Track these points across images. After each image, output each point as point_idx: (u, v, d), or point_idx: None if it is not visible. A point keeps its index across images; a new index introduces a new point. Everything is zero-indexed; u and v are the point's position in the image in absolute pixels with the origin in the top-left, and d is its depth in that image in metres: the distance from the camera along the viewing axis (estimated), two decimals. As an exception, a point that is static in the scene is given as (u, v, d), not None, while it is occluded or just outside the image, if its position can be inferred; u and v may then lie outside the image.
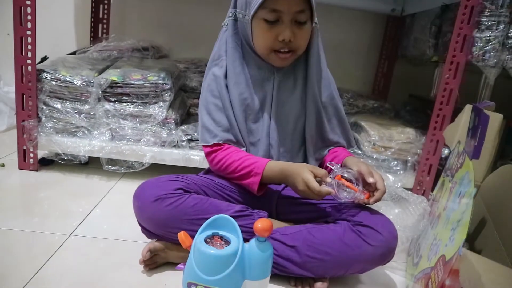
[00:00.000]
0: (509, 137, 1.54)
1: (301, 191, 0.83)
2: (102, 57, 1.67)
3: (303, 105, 0.97)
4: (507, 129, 1.53)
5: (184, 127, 1.44)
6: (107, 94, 1.36)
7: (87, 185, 1.32)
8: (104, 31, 1.98)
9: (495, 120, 0.92)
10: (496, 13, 1.19)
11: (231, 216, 0.73)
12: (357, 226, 0.84)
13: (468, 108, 0.97)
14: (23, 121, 1.33)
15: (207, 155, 0.96)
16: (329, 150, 1.02)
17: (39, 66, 1.35)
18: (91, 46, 1.72)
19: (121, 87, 1.36)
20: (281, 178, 0.88)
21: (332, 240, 0.83)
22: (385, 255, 0.84)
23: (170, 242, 0.87)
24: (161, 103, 1.38)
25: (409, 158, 1.45)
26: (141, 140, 1.39)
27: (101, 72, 1.42)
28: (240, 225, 0.72)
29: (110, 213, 1.13)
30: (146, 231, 0.89)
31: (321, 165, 1.01)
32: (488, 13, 1.20)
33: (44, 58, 1.49)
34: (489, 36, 1.21)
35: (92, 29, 1.97)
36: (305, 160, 1.00)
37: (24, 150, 1.36)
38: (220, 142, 0.93)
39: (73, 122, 1.37)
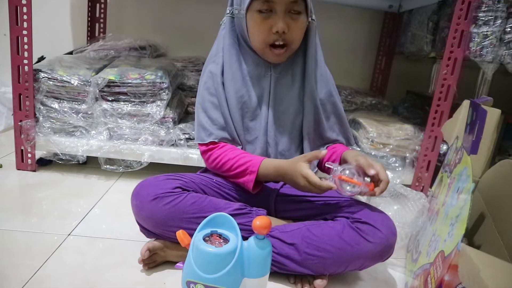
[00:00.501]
0: (507, 132, 1.54)
1: (302, 187, 0.83)
2: (99, 56, 1.67)
3: (301, 102, 0.96)
4: (505, 124, 1.54)
5: (182, 125, 1.44)
6: (105, 94, 1.36)
7: (86, 185, 1.32)
8: (101, 30, 1.97)
9: (493, 115, 0.92)
10: (493, 8, 1.19)
11: (230, 214, 0.73)
12: (356, 223, 0.84)
13: (466, 103, 0.97)
14: (21, 121, 1.33)
15: (203, 153, 0.97)
16: (327, 147, 1.01)
17: (36, 66, 1.34)
18: (88, 46, 1.72)
19: (119, 86, 1.36)
20: (277, 176, 0.87)
21: (331, 237, 0.83)
22: (384, 252, 0.84)
23: (169, 241, 0.87)
24: (158, 102, 1.38)
25: (407, 155, 1.45)
26: (139, 139, 1.39)
27: (98, 71, 1.42)
28: (238, 223, 0.72)
29: (108, 212, 1.13)
30: (145, 230, 0.89)
31: (320, 163, 1.01)
32: (485, 8, 1.20)
33: (41, 58, 1.48)
34: (487, 31, 1.20)
35: (89, 28, 1.96)
36: None
37: (22, 150, 1.36)
38: (216, 140, 0.94)
39: (70, 121, 1.36)
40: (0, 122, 1.80)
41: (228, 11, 0.94)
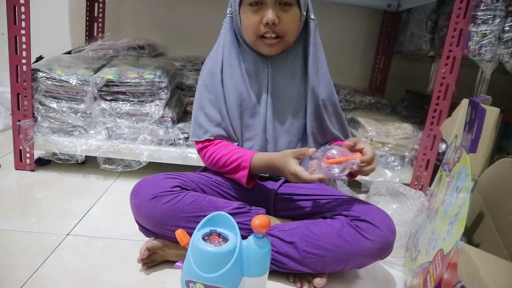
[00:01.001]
0: (505, 131, 1.55)
1: (293, 181, 0.84)
2: (97, 56, 1.66)
3: (303, 101, 0.97)
4: (503, 123, 1.54)
5: (181, 125, 1.43)
6: (103, 93, 1.36)
7: (84, 185, 1.32)
8: (100, 29, 1.97)
9: (492, 114, 0.92)
10: (492, 7, 1.19)
11: (229, 213, 0.73)
12: (355, 221, 0.84)
13: (465, 102, 0.98)
14: (19, 121, 1.32)
15: (199, 151, 0.97)
16: (329, 144, 1.02)
17: (34, 66, 1.34)
18: (87, 45, 1.71)
19: (117, 85, 1.36)
20: (268, 170, 0.89)
21: (330, 236, 0.83)
22: (384, 250, 0.84)
23: (168, 240, 0.87)
24: (157, 102, 1.38)
25: (406, 154, 1.45)
26: (138, 139, 1.38)
27: (96, 71, 1.42)
28: (238, 222, 0.72)
29: (107, 212, 1.13)
30: (144, 229, 0.89)
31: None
32: (484, 7, 1.20)
33: (40, 58, 1.48)
34: (485, 30, 1.21)
35: (87, 28, 1.96)
36: None
37: (20, 150, 1.35)
38: (211, 137, 0.94)
39: (69, 121, 1.36)
40: (-2, 122, 1.80)
41: (228, 12, 0.96)
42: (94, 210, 1.13)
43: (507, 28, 1.19)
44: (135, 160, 1.38)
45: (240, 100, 0.94)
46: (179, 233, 0.71)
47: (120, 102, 1.37)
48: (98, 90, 1.34)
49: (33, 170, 1.38)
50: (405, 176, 1.43)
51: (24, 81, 1.30)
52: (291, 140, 0.98)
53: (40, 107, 1.34)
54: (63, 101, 1.35)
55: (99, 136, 1.37)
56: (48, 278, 0.80)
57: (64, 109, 1.35)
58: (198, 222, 0.72)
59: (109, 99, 1.36)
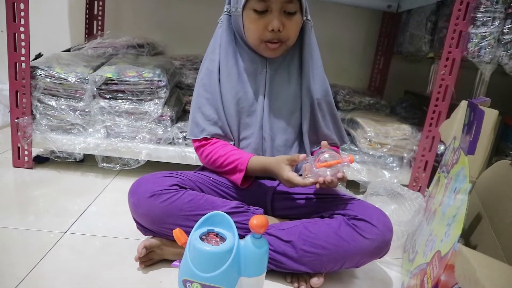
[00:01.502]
0: (504, 133, 1.55)
1: (287, 186, 0.87)
2: (97, 54, 1.66)
3: (298, 100, 0.97)
4: (502, 125, 1.54)
5: (179, 124, 1.43)
6: (102, 91, 1.35)
7: (83, 183, 1.31)
8: (99, 28, 1.97)
9: (491, 115, 0.92)
10: (492, 9, 1.19)
11: (227, 213, 0.73)
12: (352, 220, 0.84)
13: (463, 104, 0.98)
14: (17, 118, 1.32)
15: (196, 149, 0.99)
16: (320, 147, 1.02)
17: (33, 63, 1.34)
18: (86, 43, 1.71)
19: (116, 84, 1.35)
20: (264, 173, 0.91)
21: (328, 234, 0.83)
22: (381, 248, 0.84)
23: (165, 238, 0.87)
24: (156, 100, 1.37)
25: (405, 155, 1.45)
26: (137, 137, 1.38)
27: (96, 69, 1.41)
28: (235, 222, 0.72)
29: (105, 210, 1.13)
30: (142, 227, 0.89)
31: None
32: (484, 9, 1.20)
33: (39, 55, 1.48)
34: (485, 32, 1.21)
35: (86, 26, 1.96)
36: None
37: (19, 148, 1.35)
38: (208, 136, 0.95)
39: (68, 119, 1.36)
40: (-3, 119, 1.80)
41: (225, 9, 0.95)
42: (92, 209, 1.13)
43: (507, 30, 1.20)
44: (133, 159, 1.38)
45: (236, 99, 0.95)
46: (177, 233, 0.71)
47: (119, 101, 1.36)
48: (97, 88, 1.34)
49: (31, 168, 1.37)
50: (404, 177, 1.43)
51: (23, 78, 1.29)
52: (288, 138, 0.99)
53: (39, 104, 1.34)
54: (62, 99, 1.35)
55: (97, 135, 1.36)
56: (45, 276, 0.80)
57: (62, 107, 1.35)
58: (196, 221, 0.72)
59: (108, 97, 1.36)
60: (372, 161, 1.45)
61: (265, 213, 0.95)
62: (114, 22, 2.01)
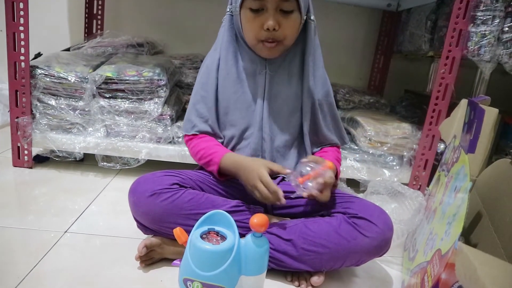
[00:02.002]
0: (504, 131, 1.55)
1: (252, 186, 0.84)
2: (96, 53, 1.66)
3: (299, 101, 0.97)
4: (502, 124, 1.54)
5: (179, 123, 1.43)
6: (102, 91, 1.35)
7: (83, 182, 1.31)
8: (99, 27, 1.97)
9: (491, 114, 0.92)
10: (492, 8, 1.19)
11: (227, 211, 0.73)
12: (352, 218, 0.85)
13: (463, 102, 0.98)
14: (17, 118, 1.32)
15: (186, 143, 1.01)
16: (321, 148, 1.03)
17: (32, 63, 1.34)
18: (86, 42, 1.71)
19: (116, 83, 1.35)
20: (233, 169, 0.89)
21: (328, 233, 0.83)
22: (381, 247, 0.84)
23: (166, 237, 0.87)
24: (156, 99, 1.37)
25: (405, 153, 1.45)
26: (137, 137, 1.38)
27: (95, 68, 1.41)
28: (236, 221, 0.72)
29: (105, 209, 1.13)
30: (142, 226, 0.89)
31: None
32: (484, 8, 1.20)
33: (38, 55, 1.48)
34: (485, 30, 1.21)
35: (86, 25, 1.96)
36: (300, 156, 1.00)
37: (18, 147, 1.35)
38: (197, 133, 0.97)
39: (67, 118, 1.36)
40: (-4, 118, 1.80)
41: (228, 9, 0.96)
42: (92, 208, 1.13)
43: (507, 28, 1.20)
44: (133, 158, 1.38)
45: (234, 98, 0.95)
46: (177, 232, 0.71)
47: (119, 100, 1.36)
48: (96, 88, 1.34)
49: (31, 168, 1.37)
50: (404, 176, 1.43)
51: (23, 78, 1.29)
52: (287, 139, 0.98)
53: (39, 104, 1.34)
54: (62, 98, 1.35)
55: (97, 134, 1.36)
56: (46, 275, 0.80)
57: (62, 106, 1.34)
58: (196, 220, 0.72)
59: (107, 96, 1.36)
60: (372, 160, 1.45)
61: (265, 211, 0.95)
62: (114, 21, 2.01)
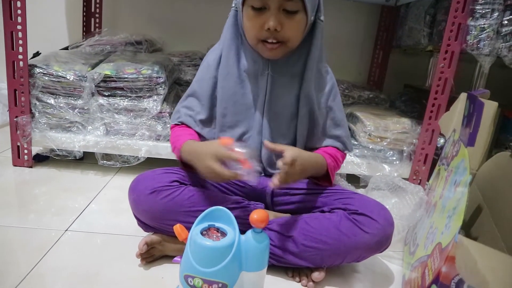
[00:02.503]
0: (503, 125, 1.55)
1: (206, 167, 0.79)
2: (95, 51, 1.65)
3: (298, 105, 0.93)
4: (502, 117, 1.54)
5: (179, 120, 1.43)
6: (101, 89, 1.35)
7: (83, 181, 1.31)
8: (97, 25, 1.96)
9: (490, 107, 0.91)
10: (490, 1, 1.19)
11: (227, 208, 0.73)
12: (353, 214, 0.84)
13: (463, 96, 0.97)
14: (16, 117, 1.32)
15: (170, 130, 1.00)
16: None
17: (31, 61, 1.33)
18: (84, 41, 1.70)
19: (115, 81, 1.35)
20: (188, 155, 0.85)
21: (328, 229, 0.83)
22: (382, 243, 0.84)
23: (166, 234, 0.87)
24: (155, 97, 1.37)
25: (405, 148, 1.45)
26: (136, 134, 1.38)
27: (94, 66, 1.41)
28: (236, 217, 0.71)
29: (106, 208, 1.13)
30: (142, 224, 0.89)
31: None
32: (482, 1, 1.19)
33: (36, 54, 1.47)
34: (484, 24, 1.20)
35: (84, 23, 1.95)
36: None
37: (18, 146, 1.35)
38: (179, 123, 0.96)
39: (67, 117, 1.36)
40: (-4, 118, 1.79)
41: (233, 4, 0.90)
42: (92, 206, 1.13)
43: (506, 22, 1.19)
44: (133, 156, 1.38)
45: (234, 99, 0.92)
46: (177, 228, 0.71)
47: (118, 98, 1.36)
48: (95, 86, 1.34)
49: (31, 167, 1.37)
50: (404, 171, 1.43)
51: (21, 77, 1.29)
52: (287, 143, 0.94)
53: (38, 103, 1.34)
54: (61, 97, 1.35)
55: (97, 132, 1.36)
56: (46, 274, 0.80)
57: (61, 105, 1.34)
58: (197, 217, 0.72)
59: (106, 94, 1.36)
60: (372, 155, 1.45)
61: (266, 208, 0.95)
62: (112, 19, 2.00)
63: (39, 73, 1.32)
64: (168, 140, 1.39)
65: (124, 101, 1.36)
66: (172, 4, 1.99)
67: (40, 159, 1.42)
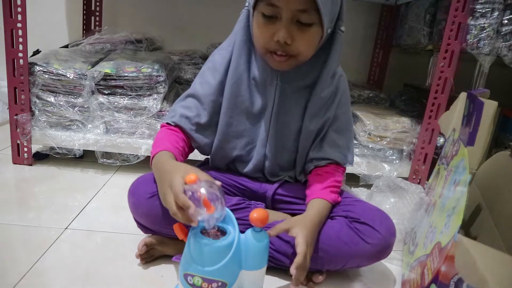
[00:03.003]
0: (503, 124, 1.55)
1: (162, 194, 0.71)
2: (95, 49, 1.65)
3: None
4: (501, 117, 1.54)
5: (179, 119, 1.43)
6: (101, 87, 1.35)
7: (83, 179, 1.31)
8: (97, 23, 1.96)
9: (490, 107, 0.92)
10: (490, 0, 1.19)
11: (228, 209, 0.72)
12: (354, 223, 0.83)
13: (463, 96, 0.97)
14: (16, 115, 1.32)
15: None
16: (315, 167, 0.92)
17: (31, 59, 1.33)
18: (84, 39, 1.70)
19: (115, 79, 1.35)
20: (155, 172, 0.78)
21: (329, 237, 0.82)
22: (382, 252, 0.83)
23: (166, 237, 0.87)
24: (155, 95, 1.37)
25: (404, 147, 1.45)
26: (136, 133, 1.38)
27: (94, 64, 1.41)
28: (237, 218, 0.71)
29: (106, 206, 1.13)
30: (142, 227, 0.88)
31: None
32: (483, 0, 1.19)
33: (37, 52, 1.47)
34: (484, 23, 1.20)
35: (84, 21, 1.95)
36: (296, 176, 0.95)
37: (18, 144, 1.35)
38: (172, 123, 0.89)
39: (67, 115, 1.36)
40: (-5, 116, 1.79)
41: (246, 4, 0.83)
42: (92, 204, 1.13)
43: (506, 21, 1.19)
44: (133, 154, 1.38)
45: (240, 108, 0.87)
46: (177, 227, 0.70)
47: (118, 96, 1.36)
48: (95, 84, 1.34)
49: (31, 165, 1.37)
50: (403, 170, 1.43)
51: (21, 75, 1.29)
52: (290, 159, 0.92)
53: (38, 101, 1.34)
54: (61, 95, 1.35)
55: (97, 130, 1.36)
56: (46, 272, 0.80)
57: (61, 103, 1.34)
58: (197, 219, 0.71)
59: (106, 93, 1.36)
60: (372, 154, 1.45)
61: (266, 208, 0.94)
62: (112, 17, 2.00)
63: (39, 71, 1.32)
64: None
65: (124, 100, 1.36)
66: (172, 3, 1.99)
67: (40, 157, 1.42)
